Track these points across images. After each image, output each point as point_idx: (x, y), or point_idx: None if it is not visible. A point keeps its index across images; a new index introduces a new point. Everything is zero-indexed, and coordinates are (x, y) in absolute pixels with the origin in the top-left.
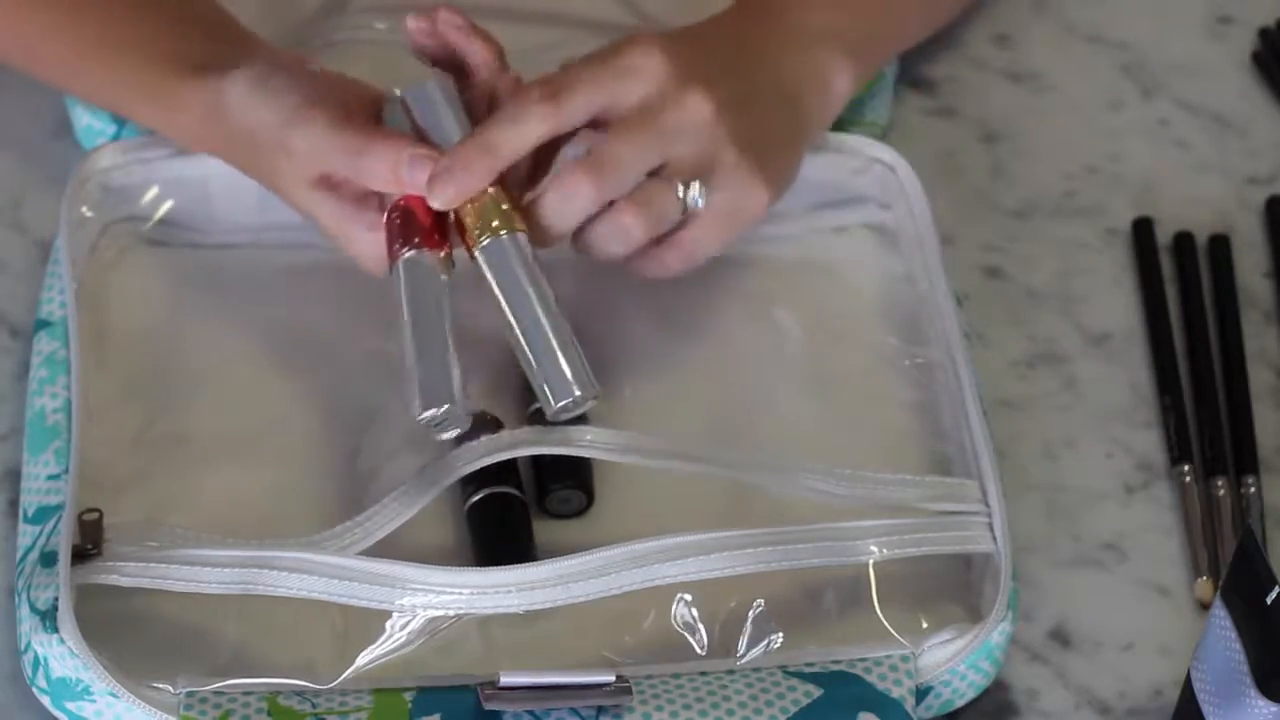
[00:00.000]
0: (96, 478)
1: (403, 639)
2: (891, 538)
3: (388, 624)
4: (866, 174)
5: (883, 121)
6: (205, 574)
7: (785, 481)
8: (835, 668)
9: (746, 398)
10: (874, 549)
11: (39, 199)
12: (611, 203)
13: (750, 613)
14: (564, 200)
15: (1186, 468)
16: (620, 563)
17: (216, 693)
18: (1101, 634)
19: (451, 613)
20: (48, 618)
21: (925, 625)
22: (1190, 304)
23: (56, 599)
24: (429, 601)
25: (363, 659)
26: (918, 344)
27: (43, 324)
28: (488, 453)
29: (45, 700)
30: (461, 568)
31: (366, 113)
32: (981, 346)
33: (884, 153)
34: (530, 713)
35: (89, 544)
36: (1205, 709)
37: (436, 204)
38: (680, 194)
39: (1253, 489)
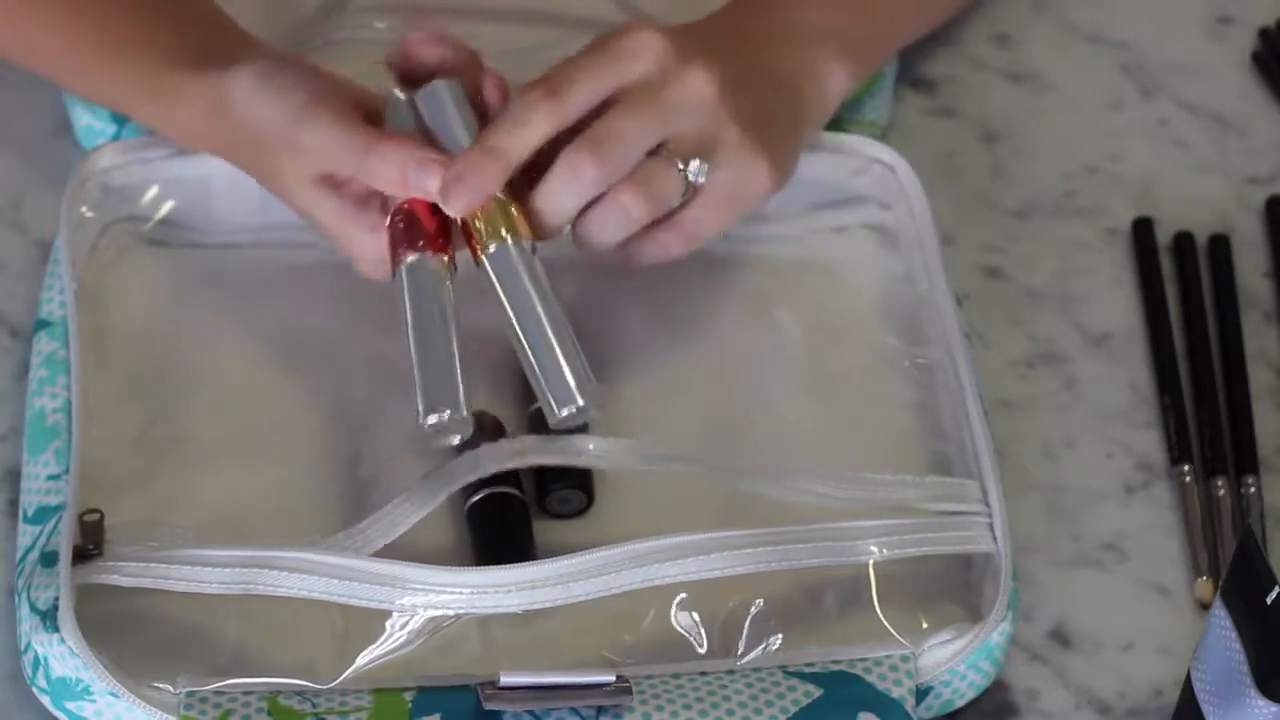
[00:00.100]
0: (97, 478)
1: (403, 639)
2: (891, 538)
3: (388, 624)
4: (866, 174)
5: (883, 121)
6: (206, 574)
7: (786, 488)
8: (835, 668)
9: (746, 397)
10: (874, 549)
11: (39, 199)
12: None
13: (750, 613)
14: (566, 180)
15: (1186, 468)
16: (620, 563)
17: (217, 692)
18: (1101, 634)
19: (451, 612)
20: (48, 617)
21: (925, 625)
22: (1190, 304)
23: (57, 599)
24: (429, 601)
25: (363, 659)
26: (918, 344)
27: (42, 324)
28: (492, 461)
29: (45, 700)
30: (461, 568)
31: (368, 115)
32: (981, 346)
33: (884, 153)
34: (530, 713)
35: (90, 544)
36: (1205, 709)
37: (452, 211)
38: (681, 171)
39: (1253, 489)
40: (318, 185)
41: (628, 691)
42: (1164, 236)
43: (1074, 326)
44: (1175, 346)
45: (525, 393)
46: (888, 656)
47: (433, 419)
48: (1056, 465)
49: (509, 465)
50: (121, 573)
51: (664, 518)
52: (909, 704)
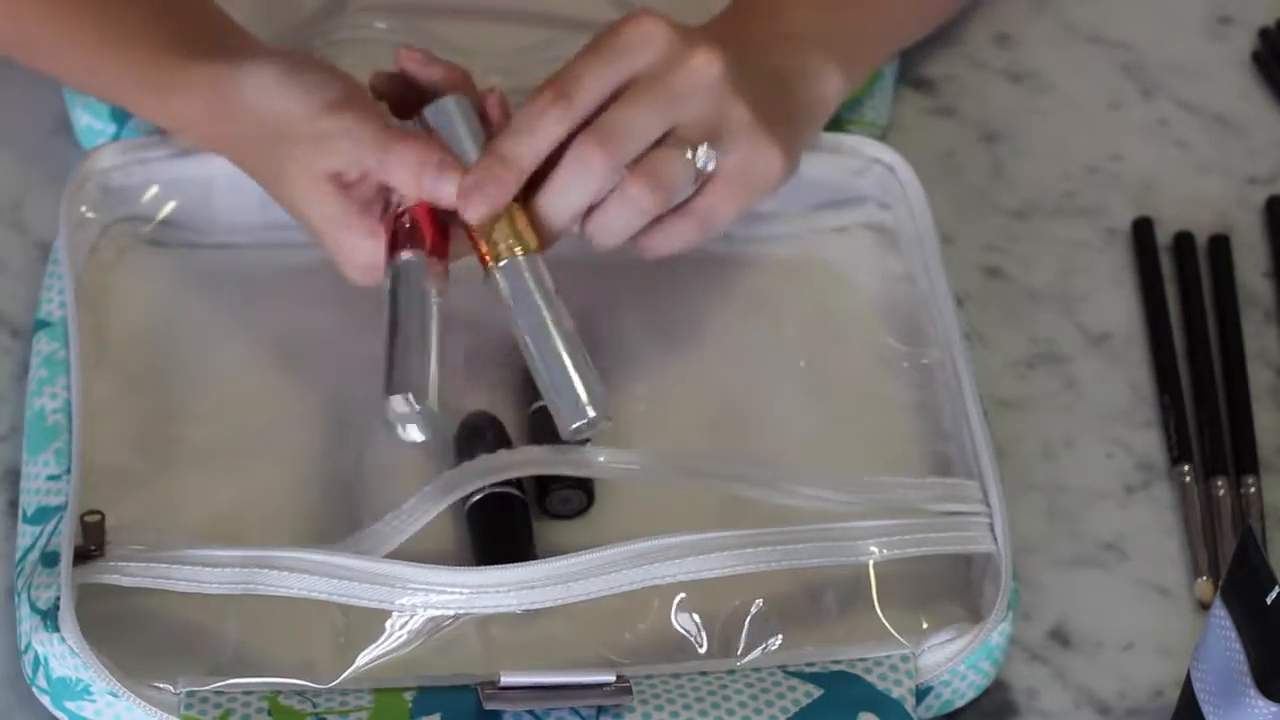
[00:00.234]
0: (96, 478)
1: (403, 639)
2: (892, 538)
3: (388, 624)
4: (866, 174)
5: (883, 121)
6: (206, 574)
7: (786, 494)
8: (835, 668)
9: (746, 398)
10: (874, 549)
11: (39, 199)
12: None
13: (750, 613)
14: (575, 174)
15: (1186, 468)
16: (620, 562)
17: (217, 692)
18: (1101, 634)
19: (451, 612)
20: (48, 617)
21: (925, 625)
22: (1190, 304)
23: (57, 599)
24: (429, 601)
25: (363, 659)
26: (918, 344)
27: (42, 324)
28: (493, 469)
29: (45, 700)
30: (461, 567)
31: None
32: (981, 346)
33: (884, 153)
34: (530, 713)
35: (91, 545)
36: (1205, 709)
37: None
38: (690, 159)
39: (1253, 489)
40: (326, 182)
41: (628, 691)
42: (1164, 236)
43: (1074, 326)
44: (1175, 346)
45: (525, 392)
46: (888, 656)
47: (397, 402)
48: (1056, 465)
49: (515, 473)
50: (122, 573)
51: (664, 518)
52: (909, 704)
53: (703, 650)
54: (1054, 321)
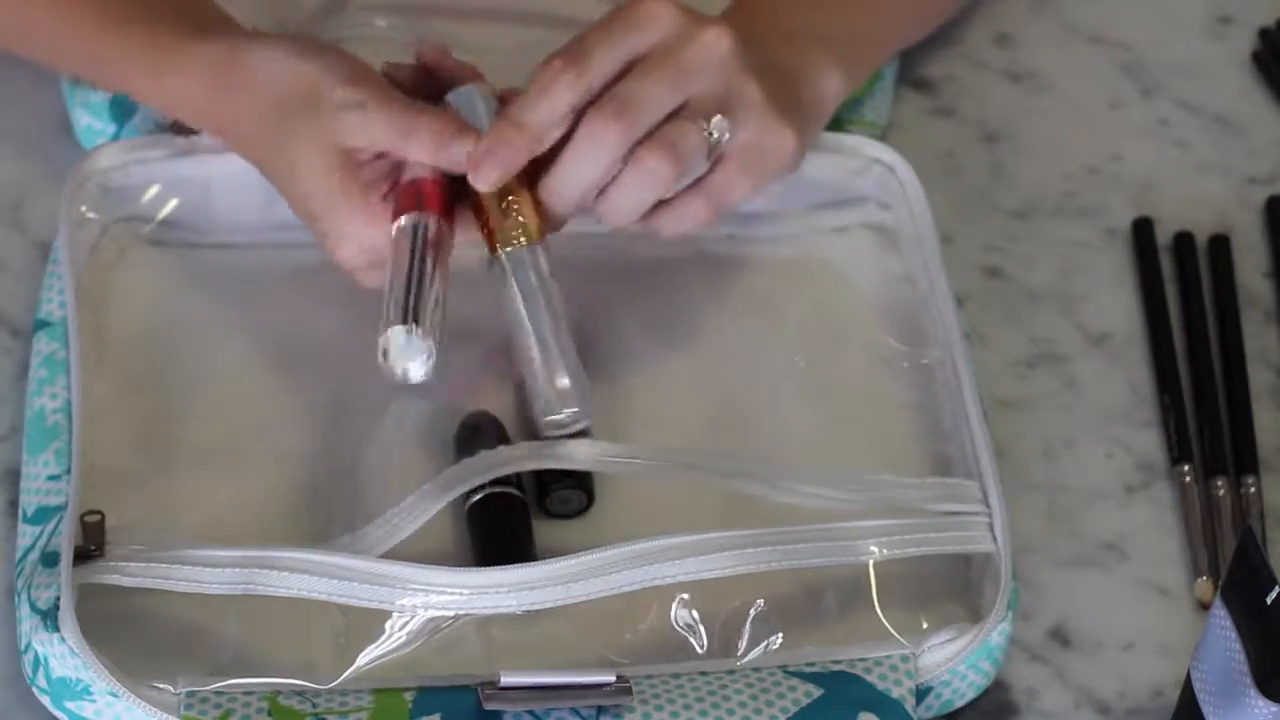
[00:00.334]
0: (97, 478)
1: (403, 639)
2: (892, 538)
3: (388, 624)
4: (866, 174)
5: (882, 121)
6: (206, 574)
7: (786, 491)
8: (835, 668)
9: (746, 397)
10: (874, 549)
11: (39, 199)
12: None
13: (750, 613)
14: (588, 147)
15: (1186, 468)
16: (620, 563)
17: (217, 692)
18: (1101, 634)
19: (451, 613)
20: (48, 617)
21: (925, 625)
22: (1190, 304)
23: (57, 598)
24: (428, 602)
25: (363, 659)
26: (918, 344)
27: (42, 324)
28: (493, 465)
29: (45, 700)
30: (461, 568)
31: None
32: (981, 346)
33: (884, 153)
34: (530, 713)
35: (92, 545)
36: (1205, 709)
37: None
38: (704, 129)
39: (1253, 489)
40: (337, 158)
41: (628, 691)
42: (1164, 236)
43: (1074, 326)
44: (1175, 346)
45: (525, 393)
46: (888, 656)
47: (397, 333)
48: (1056, 465)
49: (511, 469)
50: (122, 573)
51: (664, 518)
52: (909, 704)
53: (703, 650)
54: (1054, 321)
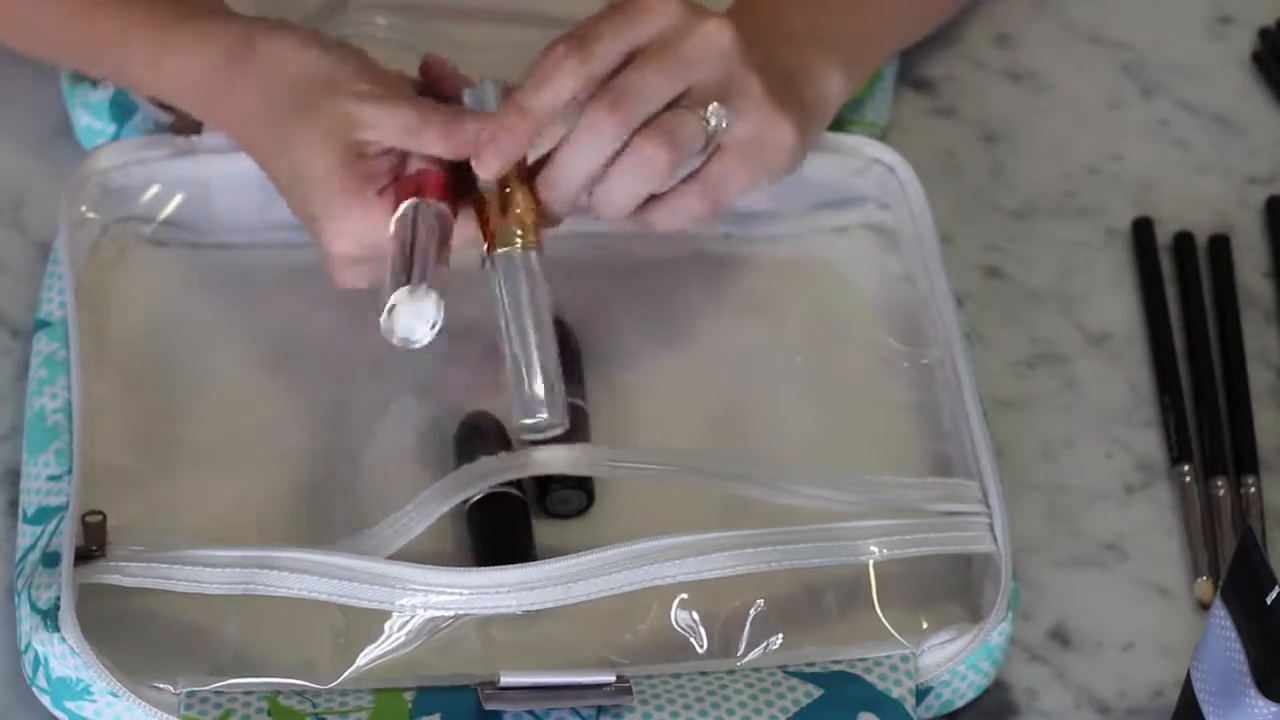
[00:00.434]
0: (97, 478)
1: (403, 639)
2: (892, 538)
3: (387, 624)
4: (866, 174)
5: (883, 121)
6: (206, 574)
7: (786, 493)
8: (835, 668)
9: (746, 398)
10: (874, 549)
11: (39, 199)
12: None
13: (750, 613)
14: (585, 139)
15: (1186, 468)
16: (620, 563)
17: (217, 692)
18: (1101, 634)
19: (451, 613)
20: (49, 617)
21: (925, 625)
22: (1190, 304)
23: (58, 598)
24: (428, 602)
25: (363, 659)
26: (918, 344)
27: (42, 324)
28: (494, 471)
29: (45, 700)
30: (461, 568)
31: None
32: (981, 346)
33: (884, 153)
34: (530, 713)
35: (92, 545)
36: (1205, 709)
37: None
38: (702, 117)
39: (1253, 489)
40: (345, 147)
41: (628, 691)
42: (1164, 236)
43: (1074, 326)
44: (1175, 346)
45: None
46: (888, 656)
47: (400, 295)
48: (1056, 465)
49: (514, 475)
50: (123, 573)
51: (664, 518)
52: (909, 704)
53: (703, 650)
54: (1054, 321)
